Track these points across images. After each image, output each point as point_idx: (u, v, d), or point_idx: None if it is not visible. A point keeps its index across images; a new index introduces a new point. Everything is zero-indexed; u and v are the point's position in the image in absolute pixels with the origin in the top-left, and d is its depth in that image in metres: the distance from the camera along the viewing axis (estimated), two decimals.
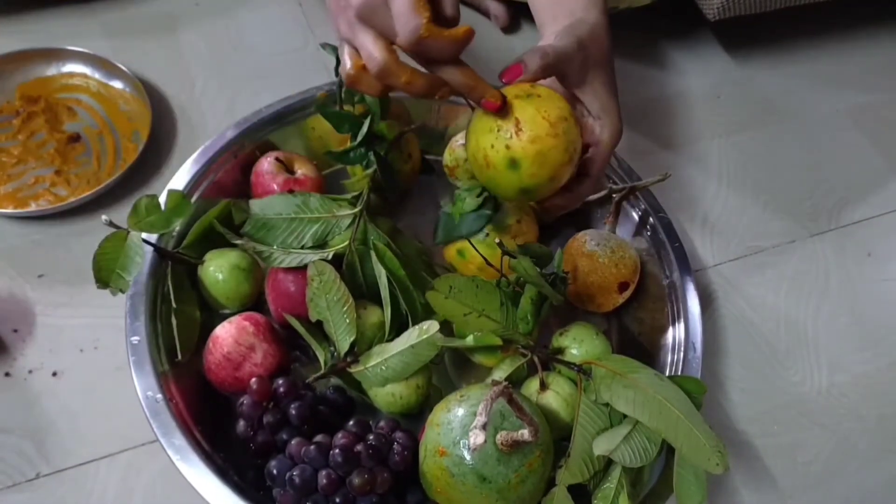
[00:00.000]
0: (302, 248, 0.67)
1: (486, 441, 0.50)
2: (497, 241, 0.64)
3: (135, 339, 0.63)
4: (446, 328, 0.64)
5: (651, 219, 0.76)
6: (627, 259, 0.72)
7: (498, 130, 0.58)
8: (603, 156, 0.63)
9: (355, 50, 0.56)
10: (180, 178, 0.72)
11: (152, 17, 0.95)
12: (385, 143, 0.72)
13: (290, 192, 0.70)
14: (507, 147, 0.57)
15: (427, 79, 0.55)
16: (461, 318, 0.63)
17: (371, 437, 0.57)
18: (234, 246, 0.68)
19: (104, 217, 0.61)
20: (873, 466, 0.72)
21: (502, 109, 0.57)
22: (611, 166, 0.79)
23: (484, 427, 0.50)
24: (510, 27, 1.00)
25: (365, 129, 0.70)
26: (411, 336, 0.63)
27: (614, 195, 0.77)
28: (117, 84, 0.86)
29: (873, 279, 0.84)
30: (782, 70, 1.02)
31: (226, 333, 0.64)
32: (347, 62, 0.56)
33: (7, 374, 0.68)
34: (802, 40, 1.05)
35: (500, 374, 0.65)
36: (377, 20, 0.53)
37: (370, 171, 0.71)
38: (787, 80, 1.01)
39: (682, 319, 0.70)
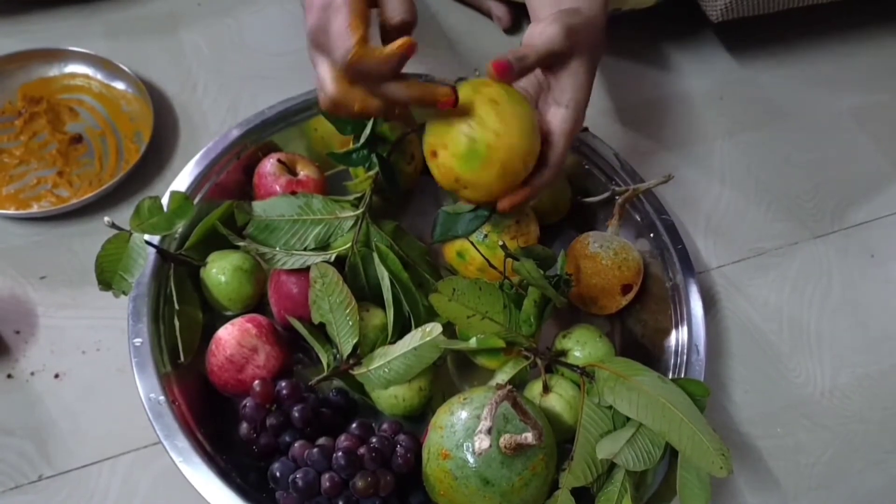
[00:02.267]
0: (304, 249, 0.67)
1: (491, 446, 0.50)
2: (500, 243, 0.64)
3: (137, 340, 0.63)
4: (449, 330, 0.64)
5: (654, 220, 0.76)
6: (631, 261, 0.72)
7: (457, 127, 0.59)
8: (560, 148, 0.62)
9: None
10: (183, 179, 0.72)
11: (154, 18, 0.95)
12: (387, 145, 0.72)
13: (293, 193, 0.70)
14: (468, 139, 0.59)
15: (379, 102, 0.55)
16: (464, 321, 0.63)
17: (374, 440, 0.57)
18: (237, 247, 0.68)
19: (106, 219, 0.61)
20: (877, 468, 0.72)
21: (457, 104, 0.57)
22: (613, 168, 0.79)
23: (489, 432, 0.50)
24: (512, 28, 1.00)
25: (368, 130, 0.70)
26: (414, 338, 0.62)
27: (617, 197, 0.77)
28: (119, 85, 0.86)
29: (876, 280, 0.84)
30: (785, 71, 1.02)
31: (228, 335, 0.64)
32: (319, 94, 0.56)
33: (9, 376, 0.68)
34: (805, 41, 1.05)
35: (502, 376, 0.65)
36: (325, 45, 0.53)
37: (372, 172, 0.71)
38: (790, 80, 1.01)
39: (685, 322, 0.70)
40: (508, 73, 0.58)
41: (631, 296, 0.73)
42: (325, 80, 0.54)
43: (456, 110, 0.58)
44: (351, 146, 0.72)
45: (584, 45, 0.61)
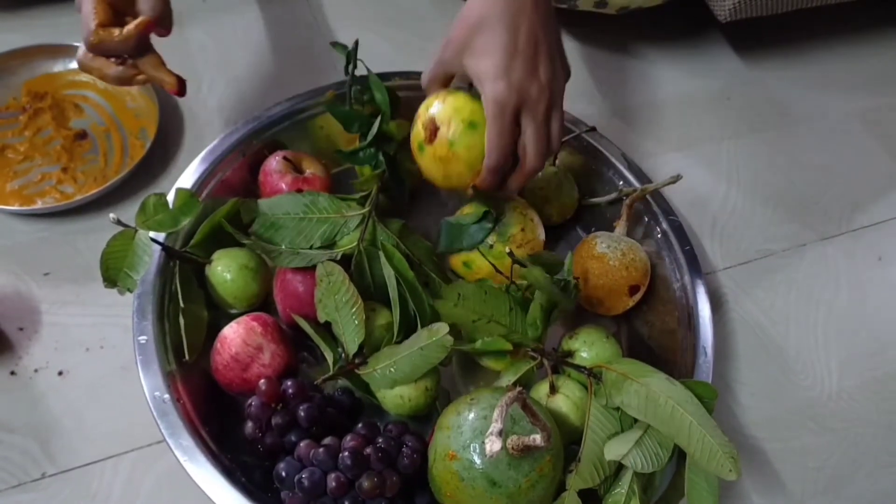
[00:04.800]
0: (310, 248, 0.67)
1: (502, 447, 0.49)
2: (508, 250, 0.64)
3: (142, 338, 0.63)
4: (455, 330, 0.63)
5: (662, 221, 0.76)
6: (638, 262, 0.71)
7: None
8: (488, 132, 0.62)
9: None
10: (188, 176, 0.72)
11: None
12: (394, 144, 0.72)
13: (299, 191, 0.70)
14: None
15: (118, 71, 0.65)
16: (470, 325, 0.62)
17: (380, 440, 0.57)
18: (243, 245, 0.68)
19: (112, 215, 0.61)
20: (884, 472, 0.71)
21: (182, 93, 0.66)
22: (620, 168, 0.79)
23: (500, 434, 0.50)
24: None
25: (375, 128, 0.70)
26: (420, 338, 0.62)
27: (625, 197, 0.76)
28: None
29: (884, 283, 0.83)
30: (793, 72, 1.01)
31: (234, 334, 0.63)
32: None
33: (12, 373, 0.68)
34: (813, 42, 1.05)
35: (509, 377, 0.64)
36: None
37: (379, 171, 0.71)
38: (798, 82, 1.00)
39: (692, 323, 0.70)
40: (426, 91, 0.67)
41: (638, 297, 0.73)
42: (79, 50, 0.65)
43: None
44: (357, 144, 0.72)
45: (479, 24, 0.61)
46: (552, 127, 0.64)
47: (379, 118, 0.70)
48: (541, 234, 0.72)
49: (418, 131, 0.66)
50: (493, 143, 0.62)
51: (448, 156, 0.64)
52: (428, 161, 0.66)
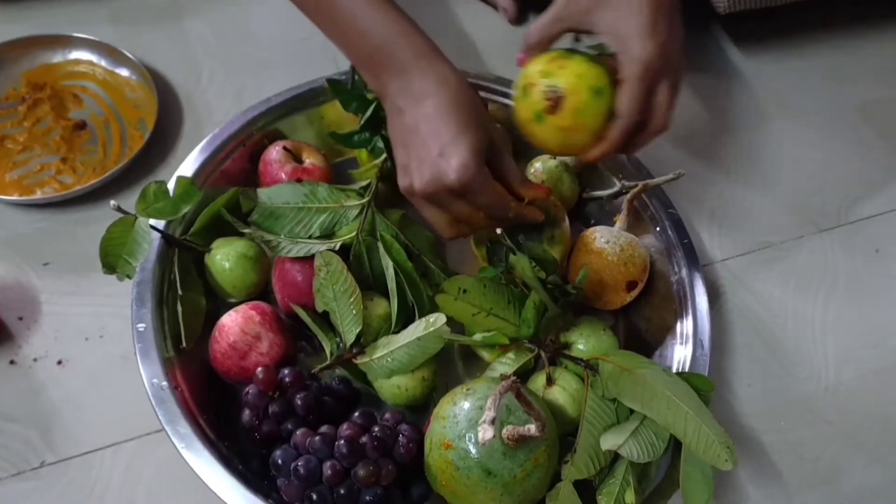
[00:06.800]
0: (309, 237, 0.67)
1: (494, 436, 0.50)
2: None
3: (141, 326, 0.63)
4: (453, 321, 0.63)
5: (661, 214, 0.76)
6: (637, 258, 0.71)
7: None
8: (628, 95, 0.60)
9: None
10: (188, 165, 0.72)
11: (159, 6, 0.95)
12: None
13: (298, 181, 0.70)
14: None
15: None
16: (470, 318, 0.63)
17: (376, 429, 0.57)
18: (242, 234, 0.68)
19: (112, 202, 0.61)
20: (880, 464, 0.71)
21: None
22: (619, 161, 0.78)
23: (493, 422, 0.50)
24: (518, 20, 0.99)
25: (370, 113, 0.70)
26: (418, 328, 0.62)
27: (625, 192, 0.76)
28: (123, 72, 0.85)
29: (881, 275, 0.83)
30: (792, 65, 1.01)
31: (232, 322, 0.64)
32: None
33: (12, 362, 0.68)
34: (813, 35, 1.04)
35: (505, 367, 0.65)
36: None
37: (379, 160, 0.71)
38: (797, 74, 1.00)
39: (689, 316, 0.70)
40: (528, 52, 0.64)
41: (636, 292, 0.73)
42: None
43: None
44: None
45: None
46: (678, 90, 0.63)
47: (376, 102, 0.70)
48: (568, 234, 0.72)
49: (535, 101, 0.62)
50: (632, 105, 0.60)
51: (574, 125, 0.62)
52: (548, 131, 0.63)
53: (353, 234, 0.67)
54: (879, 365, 0.77)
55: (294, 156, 0.74)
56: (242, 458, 0.60)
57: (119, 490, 0.63)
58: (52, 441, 0.65)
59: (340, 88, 0.71)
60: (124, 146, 0.81)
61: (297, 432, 0.57)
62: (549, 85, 0.62)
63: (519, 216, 0.63)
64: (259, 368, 0.60)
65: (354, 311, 0.63)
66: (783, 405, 0.74)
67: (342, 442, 0.55)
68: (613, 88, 0.61)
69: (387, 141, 0.70)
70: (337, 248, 0.66)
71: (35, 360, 0.68)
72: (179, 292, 0.64)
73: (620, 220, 0.76)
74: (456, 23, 0.98)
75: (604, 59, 0.62)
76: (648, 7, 0.58)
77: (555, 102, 0.61)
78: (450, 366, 0.71)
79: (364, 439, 0.56)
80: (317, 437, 0.56)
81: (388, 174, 0.71)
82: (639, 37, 0.58)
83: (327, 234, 0.68)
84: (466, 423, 0.56)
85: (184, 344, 0.64)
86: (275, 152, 0.73)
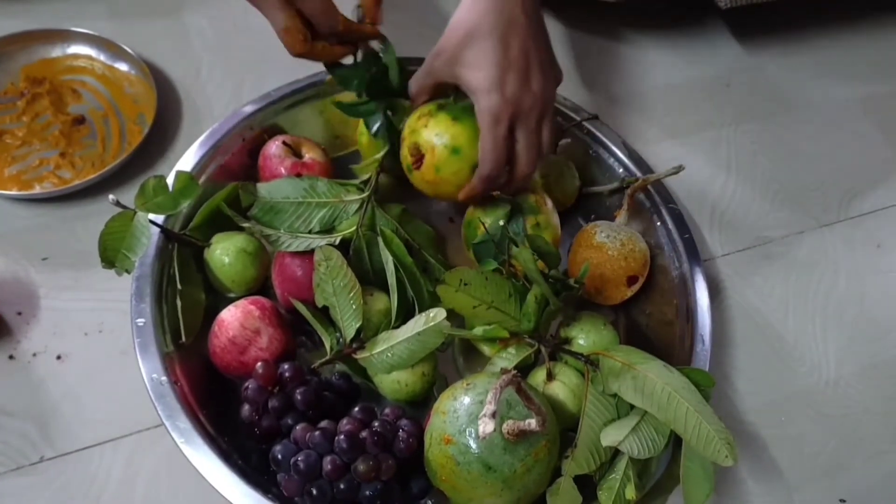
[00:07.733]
0: (309, 232, 0.67)
1: (494, 430, 0.49)
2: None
3: (140, 320, 0.63)
4: (453, 316, 0.63)
5: (661, 209, 0.75)
6: (637, 252, 0.71)
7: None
8: (481, 145, 0.63)
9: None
10: (187, 160, 0.72)
11: (159, 0, 0.94)
12: (400, 115, 0.71)
13: (298, 175, 0.70)
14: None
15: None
16: (470, 310, 0.63)
17: (376, 424, 0.57)
18: (241, 229, 0.68)
19: (111, 196, 0.61)
20: (880, 458, 0.71)
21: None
22: (620, 156, 0.78)
23: (493, 416, 0.50)
24: None
25: (372, 77, 0.70)
26: (418, 323, 0.62)
27: (627, 187, 0.76)
28: (122, 66, 0.85)
29: (882, 270, 0.83)
30: (793, 59, 1.01)
31: (231, 317, 0.64)
32: None
33: (11, 357, 0.68)
34: (814, 29, 1.04)
35: (505, 362, 0.64)
36: None
37: (380, 154, 0.71)
38: (798, 69, 1.00)
39: (690, 312, 0.70)
40: (412, 103, 0.69)
41: (636, 287, 0.72)
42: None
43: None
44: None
45: (474, 33, 0.62)
46: (543, 134, 0.66)
47: (373, 70, 0.70)
48: (556, 221, 0.72)
49: (404, 155, 0.68)
50: (487, 154, 0.63)
51: (436, 180, 0.66)
52: (418, 182, 0.68)
53: (353, 228, 0.67)
54: (880, 359, 0.77)
55: (294, 150, 0.74)
56: (242, 453, 0.60)
57: (118, 485, 0.63)
58: (51, 436, 0.65)
59: (339, 72, 0.71)
60: (123, 141, 0.80)
61: (297, 427, 0.57)
62: (411, 143, 0.67)
63: (353, 32, 0.69)
64: (259, 363, 0.60)
65: (354, 306, 0.63)
66: (784, 400, 0.74)
67: (342, 437, 0.55)
68: (476, 142, 0.64)
69: (393, 129, 0.70)
70: (337, 242, 0.66)
71: (34, 355, 0.68)
72: (179, 287, 0.64)
73: (621, 214, 0.75)
74: (447, 15, 0.98)
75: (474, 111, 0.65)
76: (495, 65, 0.61)
77: (417, 160, 0.67)
78: (450, 361, 0.70)
79: (364, 434, 0.55)
80: (317, 432, 0.55)
81: (388, 168, 0.71)
82: (486, 91, 0.62)
83: (327, 229, 0.68)
84: (466, 417, 0.55)
85: (183, 339, 0.64)
86: (274, 147, 0.73)
